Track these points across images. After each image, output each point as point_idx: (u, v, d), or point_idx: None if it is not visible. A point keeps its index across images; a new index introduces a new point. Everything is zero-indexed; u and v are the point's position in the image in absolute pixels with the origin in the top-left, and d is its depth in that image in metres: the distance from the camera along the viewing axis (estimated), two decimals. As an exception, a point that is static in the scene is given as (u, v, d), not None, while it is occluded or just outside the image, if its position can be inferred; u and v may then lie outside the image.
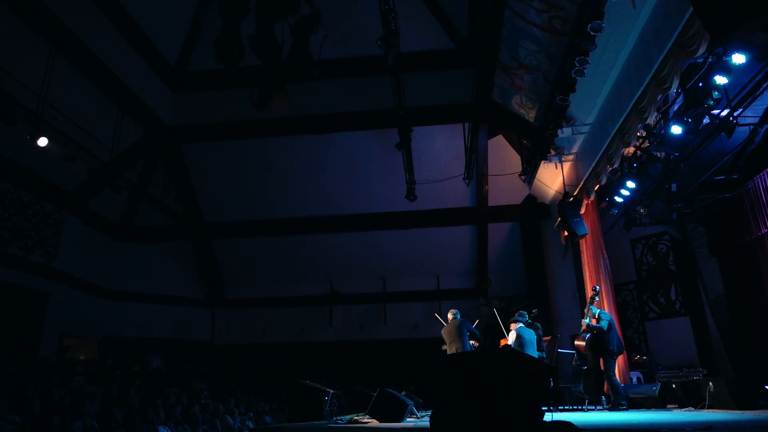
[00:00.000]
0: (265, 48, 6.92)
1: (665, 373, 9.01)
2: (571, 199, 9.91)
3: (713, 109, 7.20)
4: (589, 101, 8.89)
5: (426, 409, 7.81)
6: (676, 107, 7.64)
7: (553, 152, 10.36)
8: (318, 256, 16.02)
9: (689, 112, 7.21)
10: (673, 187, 9.33)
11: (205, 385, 11.69)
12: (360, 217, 15.00)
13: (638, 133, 8.08)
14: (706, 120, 7.45)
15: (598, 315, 7.99)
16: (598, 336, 7.91)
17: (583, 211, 9.97)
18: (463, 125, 12.43)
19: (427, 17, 12.01)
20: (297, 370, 13.07)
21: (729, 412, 6.16)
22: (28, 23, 9.26)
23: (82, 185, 12.61)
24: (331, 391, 7.27)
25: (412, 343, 15.30)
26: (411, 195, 12.51)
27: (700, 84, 6.74)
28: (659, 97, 6.72)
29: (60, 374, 9.79)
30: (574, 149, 10.38)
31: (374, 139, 13.53)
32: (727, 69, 6.30)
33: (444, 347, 7.82)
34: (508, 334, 7.61)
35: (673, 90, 6.59)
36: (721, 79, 6.42)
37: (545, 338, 9.03)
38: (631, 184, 9.04)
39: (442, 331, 7.76)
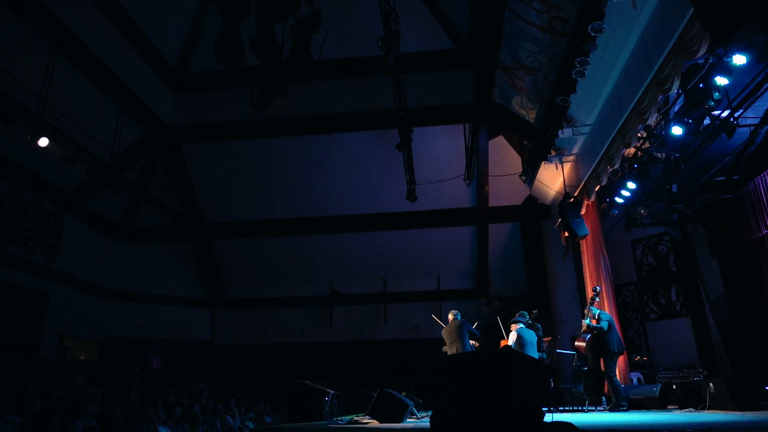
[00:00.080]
0: (266, 48, 6.92)
1: (666, 373, 9.01)
2: (572, 199, 9.91)
3: (714, 110, 7.20)
4: (589, 102, 8.89)
5: (426, 410, 7.81)
6: (676, 108, 7.64)
7: (553, 153, 10.36)
8: (318, 257, 16.02)
9: (690, 113, 7.21)
10: (674, 187, 9.33)
11: (205, 385, 11.68)
12: (360, 217, 15.00)
13: (639, 134, 8.08)
14: (706, 121, 7.45)
15: (598, 316, 7.98)
16: (599, 336, 7.90)
17: (583, 211, 9.97)
18: (464, 126, 12.43)
19: (427, 17, 12.01)
20: (297, 371, 13.07)
21: (729, 412, 6.16)
22: (28, 23, 9.26)
23: (82, 185, 12.61)
24: (331, 392, 7.28)
25: (412, 344, 15.29)
26: (411, 195, 12.52)
27: (701, 85, 6.73)
28: (660, 97, 6.72)
29: (60, 374, 9.79)
30: (575, 150, 10.38)
31: (375, 139, 13.53)
32: (727, 70, 6.29)
33: (444, 348, 7.82)
34: (508, 335, 7.60)
35: (674, 91, 6.58)
36: (721, 80, 6.41)
37: (545, 339, 9.02)
38: (631, 185, 9.04)
39: (443, 332, 7.75)
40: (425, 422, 5.88)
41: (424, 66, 12.28)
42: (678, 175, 8.53)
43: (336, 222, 15.16)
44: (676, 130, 7.45)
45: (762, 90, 6.61)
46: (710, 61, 6.38)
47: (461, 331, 7.42)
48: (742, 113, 6.98)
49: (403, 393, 7.34)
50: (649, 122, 7.38)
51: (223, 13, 6.99)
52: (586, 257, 10.13)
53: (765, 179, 8.35)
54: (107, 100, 11.57)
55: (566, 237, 10.69)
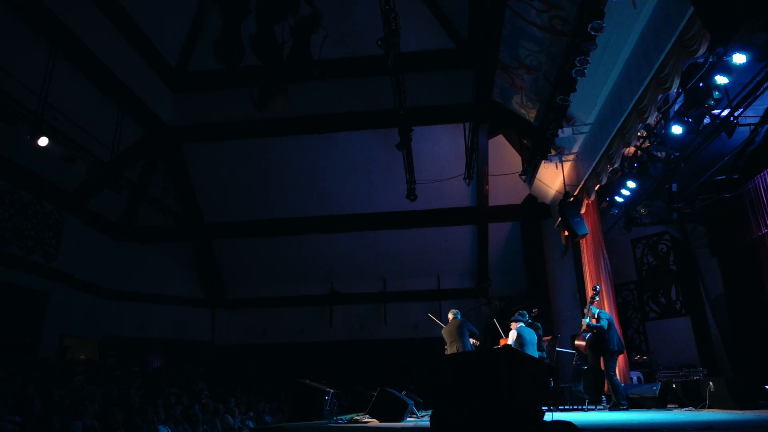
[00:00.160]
0: (266, 48, 6.91)
1: (665, 372, 9.02)
2: (572, 198, 9.91)
3: (714, 109, 7.19)
4: (589, 101, 8.89)
5: (426, 409, 7.81)
6: (676, 107, 7.63)
7: (553, 152, 10.36)
8: (318, 256, 16.02)
9: (690, 112, 7.20)
10: (674, 187, 9.32)
11: (205, 385, 11.69)
12: (360, 216, 15.01)
13: (639, 133, 8.07)
14: (706, 120, 7.44)
15: (598, 315, 7.99)
16: (599, 335, 7.90)
17: (583, 210, 9.97)
18: (464, 125, 12.43)
19: (427, 17, 12.01)
20: (297, 370, 13.08)
21: (729, 411, 6.16)
22: (28, 23, 9.26)
23: (82, 185, 12.61)
24: (331, 391, 7.27)
25: (412, 343, 15.29)
26: (411, 195, 12.52)
27: (701, 84, 6.73)
28: (660, 96, 6.72)
29: (60, 374, 9.79)
30: (575, 149, 10.38)
31: (375, 139, 13.53)
32: (727, 69, 6.29)
33: (445, 347, 7.82)
34: (507, 335, 7.60)
35: (674, 90, 6.58)
36: (721, 79, 6.40)
37: (545, 338, 9.02)
38: (631, 184, 9.04)
39: (443, 332, 7.75)
40: (425, 421, 5.88)
41: (424, 66, 12.28)
42: (678, 174, 8.53)
43: (336, 221, 15.17)
44: (676, 129, 7.45)
45: (762, 89, 6.60)
46: (710, 60, 6.38)
47: (461, 331, 7.42)
48: (742, 112, 6.98)
49: (403, 392, 7.34)
50: (649, 121, 7.38)
51: (223, 13, 6.98)
52: (586, 256, 10.13)
53: (765, 178, 8.35)
54: (107, 100, 11.57)
55: (566, 236, 10.69)
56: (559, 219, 10.36)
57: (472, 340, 7.61)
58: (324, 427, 5.82)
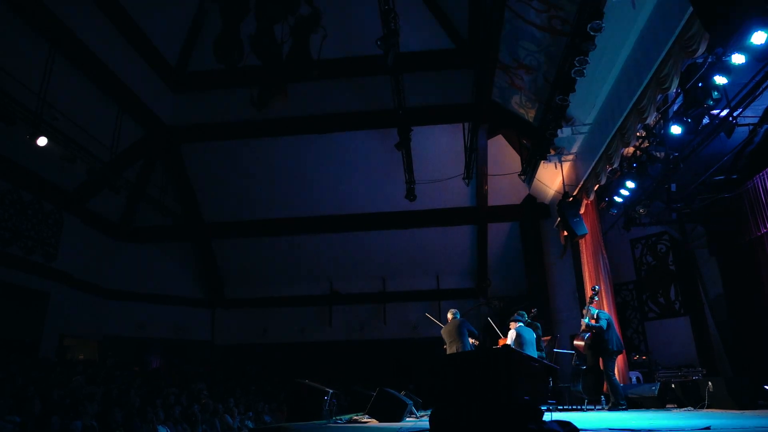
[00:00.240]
0: (265, 48, 6.91)
1: (665, 372, 9.03)
2: (571, 199, 9.91)
3: (713, 109, 7.21)
4: (588, 101, 8.90)
5: (425, 409, 7.81)
6: (675, 107, 7.65)
7: (552, 152, 10.36)
8: (317, 256, 16.01)
9: (689, 112, 7.22)
10: (673, 187, 9.34)
11: (204, 385, 11.69)
12: (360, 217, 15.00)
13: (638, 133, 8.09)
14: (705, 120, 7.46)
15: (597, 315, 8.00)
16: (598, 335, 7.91)
17: (582, 211, 9.98)
18: (463, 125, 12.44)
19: (427, 17, 12.00)
20: (297, 370, 13.05)
21: (728, 411, 6.17)
22: (28, 23, 9.25)
23: (82, 185, 12.60)
24: (331, 391, 7.28)
25: (411, 343, 15.29)
26: (411, 195, 12.51)
27: (700, 84, 6.74)
28: (659, 97, 6.73)
29: (60, 374, 9.79)
30: (574, 149, 10.39)
31: (374, 139, 13.53)
32: (726, 69, 6.30)
33: (444, 347, 7.82)
34: (506, 335, 7.61)
35: (673, 90, 6.59)
36: (720, 79, 6.42)
37: (545, 338, 9.03)
38: (630, 184, 9.05)
39: (442, 332, 7.75)
40: (424, 421, 5.89)
41: (424, 65, 12.27)
42: (677, 174, 8.54)
43: (335, 221, 15.16)
44: (675, 130, 7.47)
45: (761, 89, 6.62)
46: (709, 60, 6.39)
47: (461, 330, 7.42)
48: (741, 112, 6.99)
49: (403, 392, 7.35)
50: (648, 121, 7.39)
51: (222, 13, 6.98)
52: (585, 256, 10.14)
53: (764, 178, 8.36)
54: (107, 100, 11.56)
55: (565, 236, 10.70)
56: (559, 219, 10.36)
57: (471, 340, 7.62)
58: (323, 427, 5.83)
